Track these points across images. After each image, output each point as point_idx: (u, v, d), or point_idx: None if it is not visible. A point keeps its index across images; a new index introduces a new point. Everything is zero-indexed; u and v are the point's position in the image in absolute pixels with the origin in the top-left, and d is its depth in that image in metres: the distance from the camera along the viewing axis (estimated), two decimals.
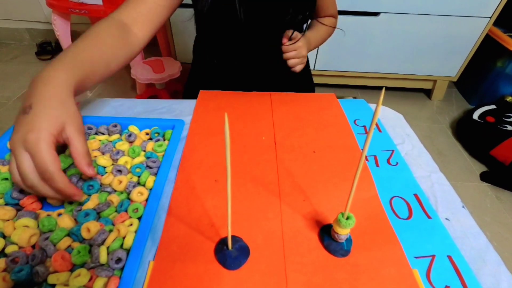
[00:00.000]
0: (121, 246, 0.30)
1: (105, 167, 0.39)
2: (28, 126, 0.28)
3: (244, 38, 0.58)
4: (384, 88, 0.21)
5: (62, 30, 1.44)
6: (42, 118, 0.29)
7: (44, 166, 0.28)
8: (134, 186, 0.36)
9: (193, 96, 0.55)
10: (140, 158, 0.40)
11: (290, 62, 0.56)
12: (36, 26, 2.00)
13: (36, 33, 2.03)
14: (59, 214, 0.33)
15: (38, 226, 0.32)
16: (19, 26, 2.01)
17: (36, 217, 0.32)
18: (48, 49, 1.88)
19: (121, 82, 1.68)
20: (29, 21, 1.99)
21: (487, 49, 1.43)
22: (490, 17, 1.30)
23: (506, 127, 1.27)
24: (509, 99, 1.47)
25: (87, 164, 0.31)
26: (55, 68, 0.33)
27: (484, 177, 1.18)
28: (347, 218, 0.29)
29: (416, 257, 0.32)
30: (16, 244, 0.30)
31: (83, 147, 0.31)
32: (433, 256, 0.32)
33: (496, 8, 1.27)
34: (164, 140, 0.44)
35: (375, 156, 0.44)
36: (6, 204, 0.33)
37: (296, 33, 0.55)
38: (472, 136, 1.31)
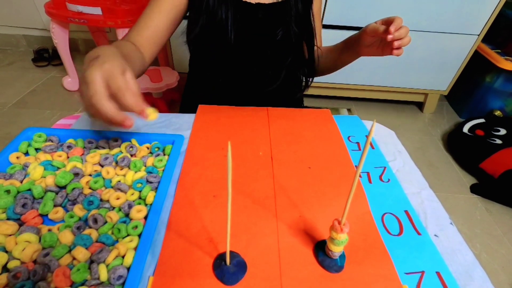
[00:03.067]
0: (121, 263, 0.31)
1: (111, 179, 0.40)
2: (102, 60, 0.33)
3: (234, 57, 0.61)
4: (375, 121, 0.23)
5: (60, 38, 1.45)
6: (112, 59, 0.34)
7: (119, 82, 0.32)
8: (130, 206, 0.36)
9: (190, 108, 0.56)
10: (141, 173, 0.41)
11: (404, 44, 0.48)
12: (33, 32, 2.01)
13: (33, 40, 2.03)
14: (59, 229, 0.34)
15: (39, 241, 0.32)
16: (16, 32, 2.01)
17: (37, 232, 0.33)
18: (45, 55, 1.88)
19: None
20: (26, 28, 1.99)
21: (476, 64, 1.48)
22: (479, 35, 1.35)
23: (495, 140, 1.31)
24: (497, 113, 1.52)
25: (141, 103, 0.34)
26: (108, 47, 0.39)
27: (474, 189, 1.21)
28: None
29: (406, 273, 0.33)
30: (19, 259, 0.30)
31: (138, 87, 0.35)
32: (423, 272, 0.33)
33: (484, 26, 1.33)
34: (164, 155, 0.45)
35: (368, 173, 0.46)
36: (8, 219, 0.34)
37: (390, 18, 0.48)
38: (462, 149, 1.35)
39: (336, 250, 0.31)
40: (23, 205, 0.35)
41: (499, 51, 1.45)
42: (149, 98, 1.48)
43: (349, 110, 1.63)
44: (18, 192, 0.37)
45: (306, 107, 0.80)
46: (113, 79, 0.32)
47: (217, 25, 0.55)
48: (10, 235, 0.32)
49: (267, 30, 0.58)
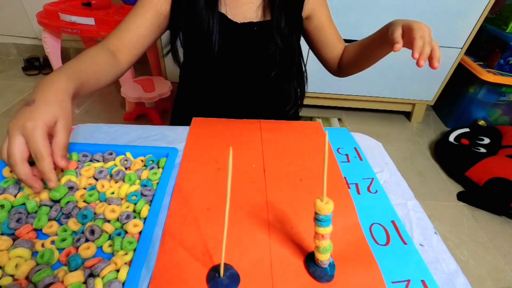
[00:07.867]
0: (116, 277, 0.31)
1: (105, 192, 0.40)
2: (28, 115, 0.34)
3: (217, 68, 0.62)
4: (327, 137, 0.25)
5: (52, 48, 1.45)
6: (41, 111, 0.34)
7: (37, 148, 0.33)
8: (127, 217, 0.37)
9: (181, 115, 0.57)
10: (136, 187, 0.41)
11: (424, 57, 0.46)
12: (24, 41, 2.00)
13: (23, 48, 2.02)
14: (53, 242, 0.34)
15: (32, 256, 0.32)
16: (7, 40, 2.00)
17: (31, 246, 0.33)
18: (36, 64, 1.87)
19: (110, 100, 1.68)
20: (17, 36, 1.98)
21: (460, 76, 1.54)
22: (461, 48, 1.42)
23: (479, 149, 1.35)
24: (481, 122, 1.57)
25: (61, 156, 0.35)
26: (58, 75, 0.40)
27: (460, 197, 1.25)
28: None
29: (393, 282, 0.34)
30: (12, 275, 0.30)
31: (64, 141, 0.36)
32: (409, 280, 0.35)
33: (466, 40, 1.39)
34: (159, 168, 0.46)
35: (356, 184, 0.47)
36: (2, 234, 0.34)
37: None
38: (448, 158, 1.39)
39: (323, 258, 0.32)
40: (18, 220, 0.35)
41: (482, 63, 1.51)
42: (142, 108, 1.48)
43: (339, 119, 1.66)
44: (12, 206, 0.37)
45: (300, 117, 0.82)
46: (32, 142, 0.33)
47: (203, 36, 0.56)
48: (4, 250, 0.32)
49: (252, 47, 0.60)
